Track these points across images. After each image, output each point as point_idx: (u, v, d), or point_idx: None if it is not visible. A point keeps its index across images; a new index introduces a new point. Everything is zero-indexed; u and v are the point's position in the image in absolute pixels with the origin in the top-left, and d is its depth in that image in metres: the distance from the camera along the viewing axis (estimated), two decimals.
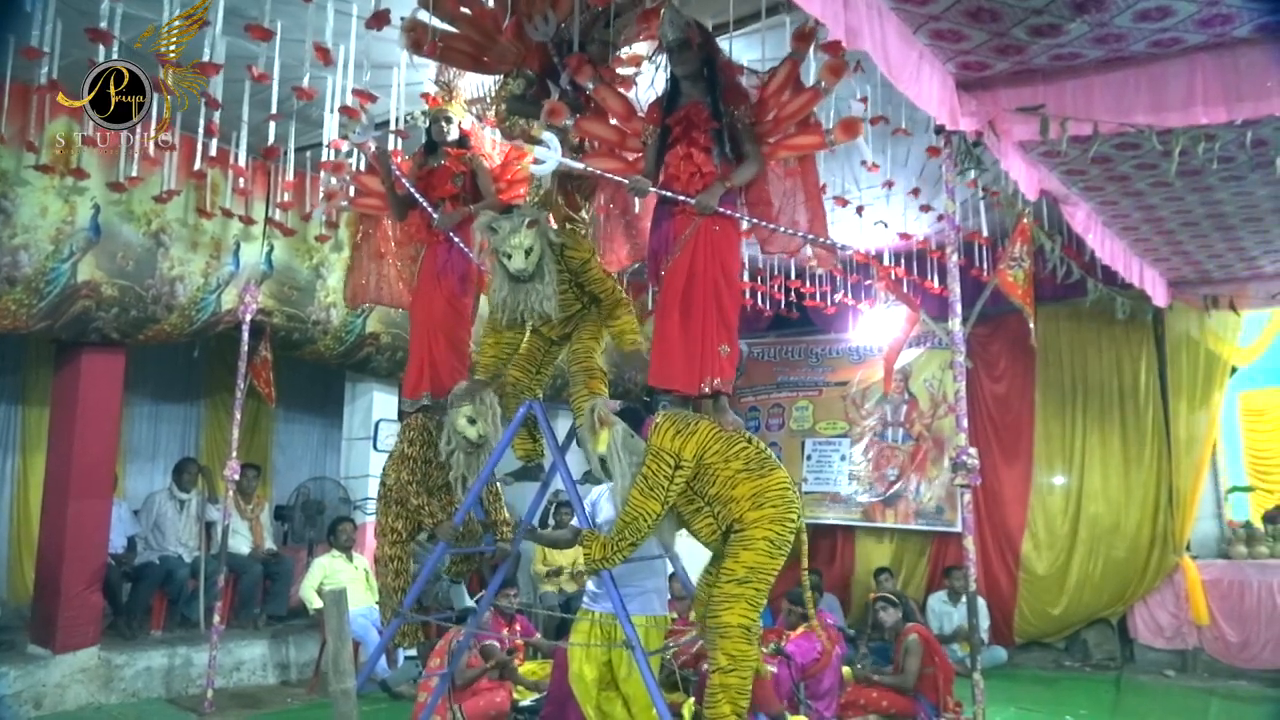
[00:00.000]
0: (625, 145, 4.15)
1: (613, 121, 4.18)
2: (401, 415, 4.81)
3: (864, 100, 4.81)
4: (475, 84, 5.07)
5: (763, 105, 3.87)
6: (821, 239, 3.92)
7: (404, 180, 4.71)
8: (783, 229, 3.93)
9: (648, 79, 4.63)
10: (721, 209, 3.74)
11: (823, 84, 3.72)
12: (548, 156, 3.71)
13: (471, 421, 4.24)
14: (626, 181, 3.88)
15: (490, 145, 5.16)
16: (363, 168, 5.21)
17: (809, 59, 3.95)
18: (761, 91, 3.87)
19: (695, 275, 3.71)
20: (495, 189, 4.94)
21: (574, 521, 4.31)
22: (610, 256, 4.61)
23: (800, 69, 3.80)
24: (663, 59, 4.05)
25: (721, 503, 3.39)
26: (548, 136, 3.75)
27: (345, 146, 5.08)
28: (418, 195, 4.64)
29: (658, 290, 3.93)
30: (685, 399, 3.68)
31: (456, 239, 4.67)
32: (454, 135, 4.91)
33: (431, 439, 4.51)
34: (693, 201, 3.73)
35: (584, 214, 4.42)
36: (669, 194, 3.82)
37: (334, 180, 5.37)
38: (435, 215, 4.63)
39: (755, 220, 3.89)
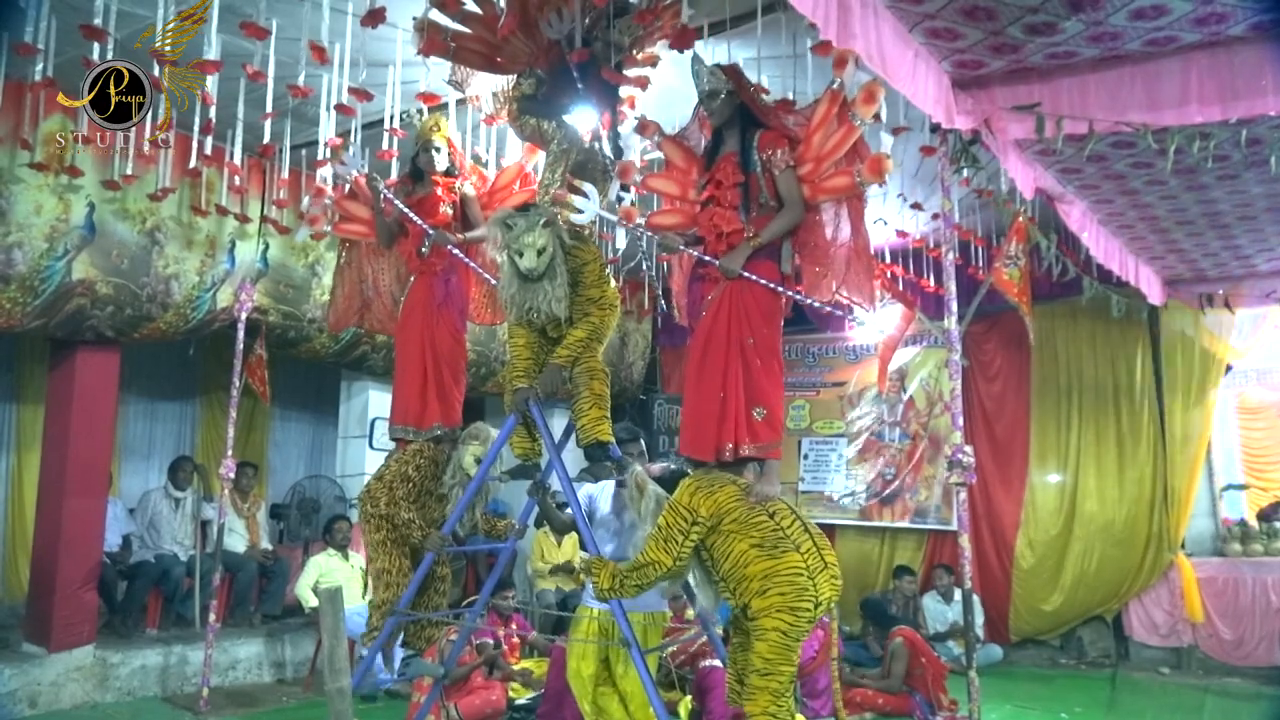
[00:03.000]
0: (689, 197, 4.05)
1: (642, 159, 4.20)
2: (399, 442, 4.77)
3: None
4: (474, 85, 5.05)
5: (807, 144, 3.71)
6: (860, 301, 3.74)
7: (396, 201, 4.66)
8: (812, 300, 3.78)
9: (658, 79, 4.63)
10: (747, 273, 3.58)
11: (858, 118, 3.59)
12: (586, 207, 3.75)
13: (478, 461, 4.34)
14: (659, 240, 3.85)
15: (476, 176, 5.14)
16: (346, 189, 5.13)
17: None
18: (805, 129, 3.73)
19: (714, 338, 3.60)
20: (486, 216, 4.94)
21: (568, 512, 4.33)
22: (684, 311, 4.45)
23: (842, 99, 3.63)
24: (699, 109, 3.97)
25: (735, 581, 3.28)
26: (587, 187, 3.79)
27: (329, 172, 5.05)
28: (414, 216, 4.62)
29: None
30: (718, 465, 3.55)
31: (463, 256, 4.69)
32: (442, 164, 4.89)
33: (437, 470, 4.55)
34: (717, 264, 3.63)
35: None
36: (697, 254, 3.74)
37: (314, 206, 5.30)
38: (432, 232, 4.62)
39: (776, 286, 3.67)
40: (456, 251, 4.66)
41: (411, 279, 4.85)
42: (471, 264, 4.77)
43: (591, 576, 3.55)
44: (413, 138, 4.97)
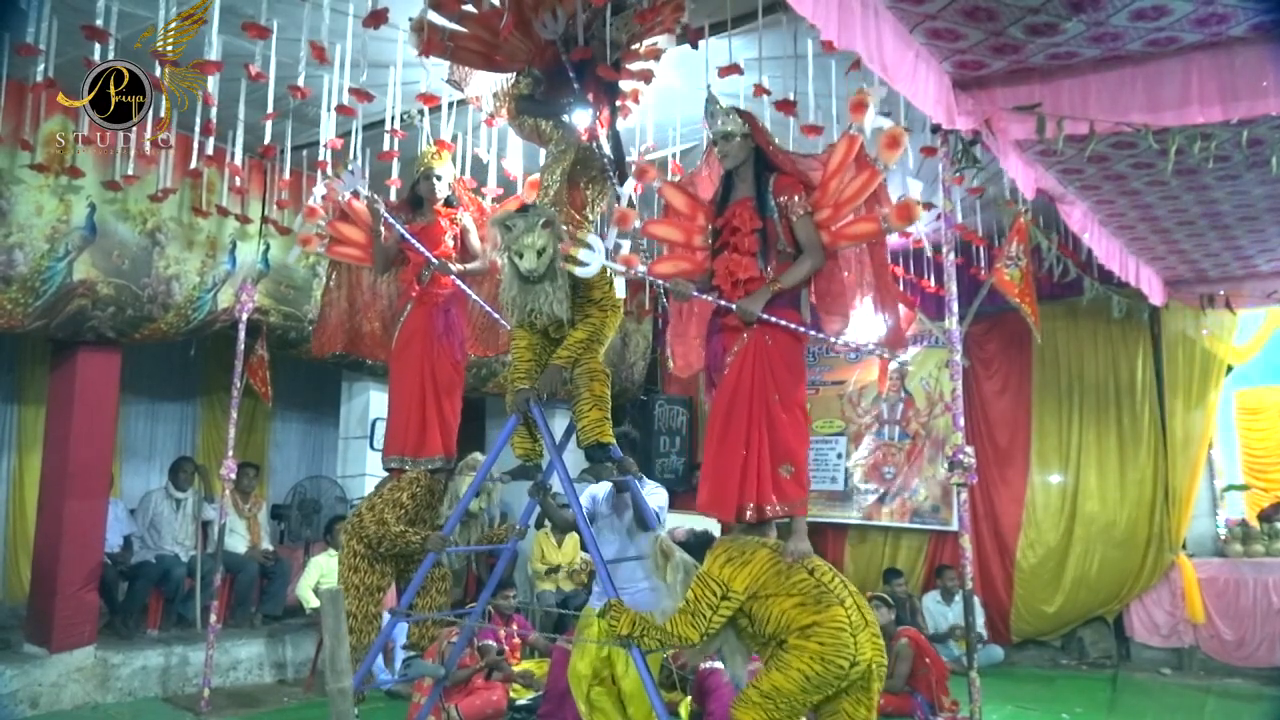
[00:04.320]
0: (693, 244, 3.95)
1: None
2: (393, 471, 4.77)
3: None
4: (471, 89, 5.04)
5: (823, 189, 3.61)
6: (882, 350, 3.72)
7: (398, 226, 4.65)
8: (838, 339, 3.72)
9: (660, 81, 4.63)
10: (768, 316, 3.48)
11: (881, 162, 3.48)
12: (591, 259, 3.70)
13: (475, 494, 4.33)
14: (670, 286, 3.76)
15: (475, 206, 5.13)
16: (345, 198, 5.01)
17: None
18: (821, 173, 3.64)
19: (739, 392, 3.48)
20: (484, 248, 4.95)
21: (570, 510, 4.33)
22: (680, 361, 4.34)
23: (860, 144, 3.53)
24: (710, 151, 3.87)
25: (780, 639, 3.20)
26: (592, 239, 3.75)
27: (322, 191, 5.04)
28: (418, 244, 4.61)
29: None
30: (744, 527, 3.45)
31: (465, 287, 4.69)
32: (443, 193, 4.88)
33: (433, 500, 4.56)
34: (735, 307, 3.51)
35: (587, 213, 4.40)
36: (711, 299, 3.64)
37: (307, 225, 5.23)
38: (436, 262, 4.61)
39: (801, 328, 3.59)
40: (459, 283, 4.65)
41: (407, 307, 4.83)
42: (473, 294, 4.77)
43: (610, 620, 3.46)
44: (413, 162, 4.95)
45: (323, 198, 5.01)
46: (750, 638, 3.33)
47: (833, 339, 3.76)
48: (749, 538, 3.40)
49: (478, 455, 4.60)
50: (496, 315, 4.88)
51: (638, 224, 4.06)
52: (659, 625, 3.32)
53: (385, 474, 4.88)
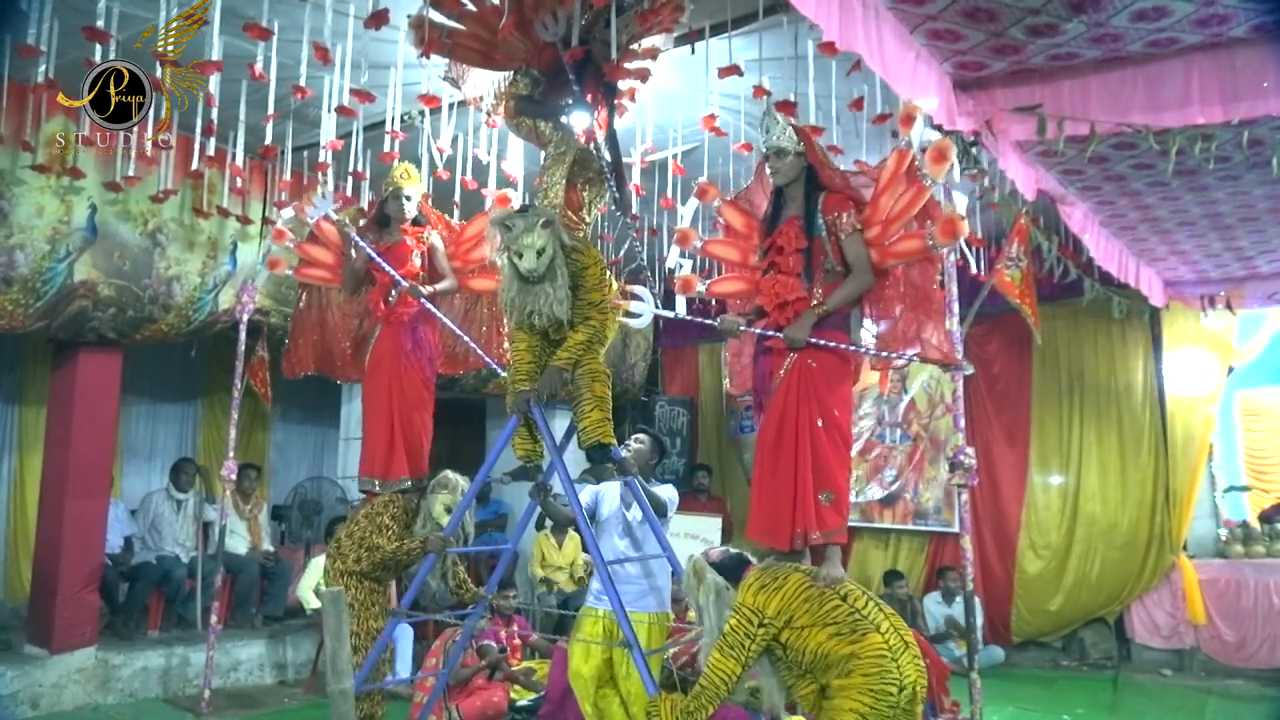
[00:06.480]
0: (749, 263, 3.90)
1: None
2: (367, 494, 4.78)
3: (861, 102, 4.82)
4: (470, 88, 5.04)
5: (874, 205, 3.55)
6: (936, 358, 3.65)
7: (369, 250, 4.65)
8: (886, 354, 3.63)
9: (660, 81, 4.63)
10: (815, 340, 3.41)
11: (927, 176, 3.41)
12: (643, 310, 3.68)
13: (448, 510, 4.37)
14: (719, 325, 3.71)
15: (443, 226, 5.13)
16: (313, 220, 4.98)
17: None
18: (872, 191, 3.58)
19: (786, 417, 3.42)
20: (453, 266, 4.97)
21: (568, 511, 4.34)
22: (737, 380, 4.27)
23: (910, 158, 3.44)
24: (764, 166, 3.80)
25: (819, 671, 3.12)
26: (641, 291, 3.72)
27: (289, 214, 5.05)
28: (388, 267, 4.63)
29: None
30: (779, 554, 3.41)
31: (433, 309, 4.70)
32: (412, 213, 4.88)
33: (409, 520, 4.60)
34: (782, 336, 3.46)
35: (584, 213, 4.40)
36: (760, 331, 3.58)
37: (275, 247, 5.25)
38: (405, 285, 4.62)
39: (852, 345, 3.55)
40: (428, 305, 4.66)
41: (377, 328, 4.83)
42: (441, 316, 4.78)
43: (649, 713, 3.38)
44: (383, 183, 4.96)
45: (288, 219, 5.03)
46: (786, 668, 3.27)
47: (885, 355, 3.68)
48: (783, 564, 3.35)
49: (449, 473, 4.62)
50: (465, 337, 4.90)
51: (697, 244, 4.03)
52: (700, 685, 3.22)
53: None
